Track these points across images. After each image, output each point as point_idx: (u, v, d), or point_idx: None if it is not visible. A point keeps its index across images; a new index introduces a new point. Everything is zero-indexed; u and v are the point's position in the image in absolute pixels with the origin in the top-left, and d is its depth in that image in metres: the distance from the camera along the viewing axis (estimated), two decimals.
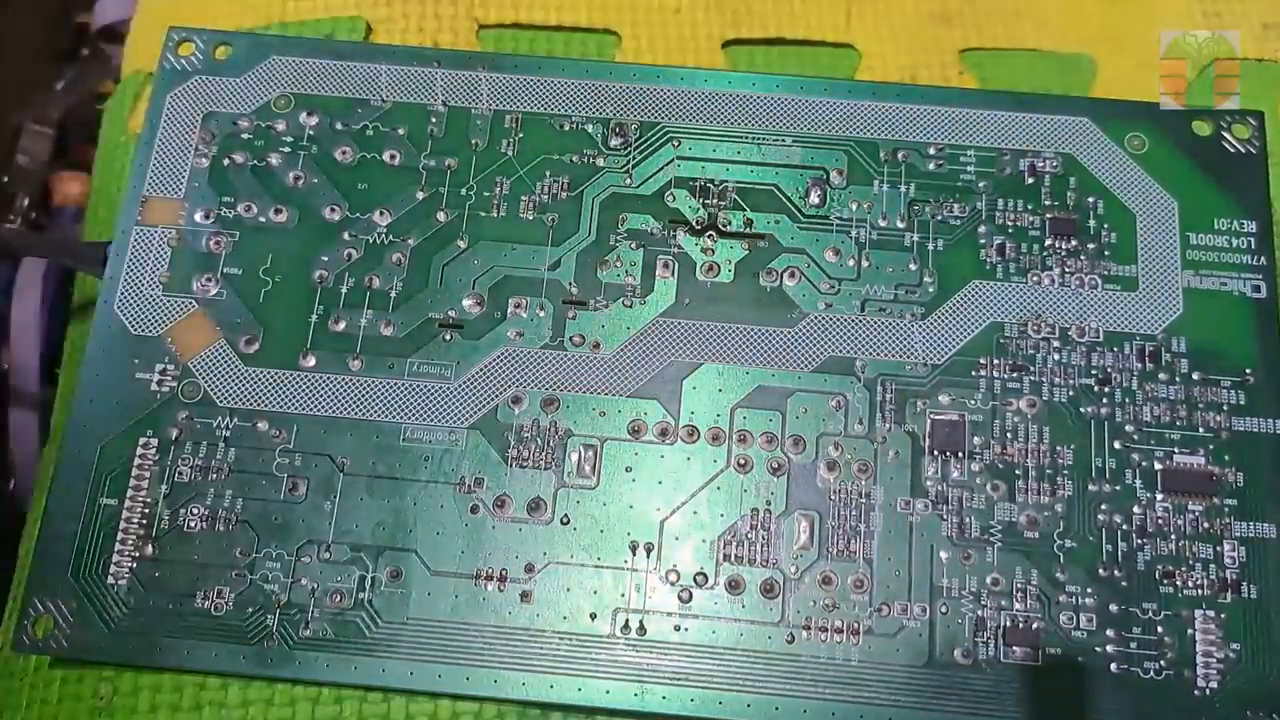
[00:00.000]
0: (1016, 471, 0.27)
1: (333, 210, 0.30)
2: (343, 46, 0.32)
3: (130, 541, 0.27)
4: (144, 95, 0.35)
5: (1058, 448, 0.27)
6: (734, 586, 0.27)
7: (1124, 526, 0.27)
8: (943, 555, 0.27)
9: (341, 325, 0.29)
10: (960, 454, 0.27)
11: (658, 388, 0.28)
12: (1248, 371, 0.28)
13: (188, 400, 0.28)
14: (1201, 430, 0.27)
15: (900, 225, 0.29)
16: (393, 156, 0.30)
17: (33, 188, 0.44)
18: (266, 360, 0.28)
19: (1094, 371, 0.28)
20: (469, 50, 0.34)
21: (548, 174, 0.30)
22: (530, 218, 0.30)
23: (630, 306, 0.29)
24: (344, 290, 0.29)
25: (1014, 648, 0.26)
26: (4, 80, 0.43)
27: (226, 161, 0.30)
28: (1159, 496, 0.27)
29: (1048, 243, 0.29)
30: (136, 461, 0.27)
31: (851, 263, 0.29)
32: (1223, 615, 0.26)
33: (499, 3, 0.35)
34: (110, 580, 0.27)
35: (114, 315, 0.29)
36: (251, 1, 0.35)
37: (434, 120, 0.30)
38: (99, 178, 0.36)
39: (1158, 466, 0.27)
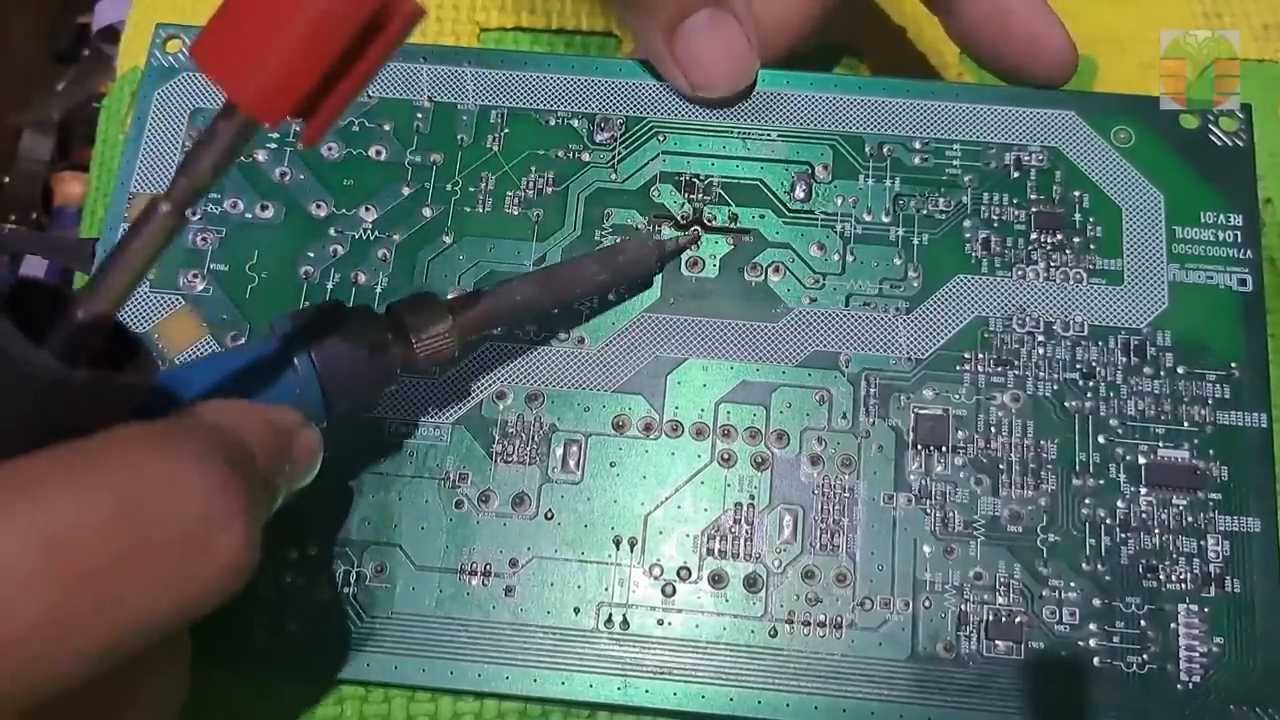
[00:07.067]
0: (1000, 466, 0.27)
1: (319, 206, 0.30)
2: None
3: None
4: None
5: (1041, 442, 0.27)
6: (717, 581, 0.27)
7: (1107, 521, 0.27)
8: (926, 549, 0.27)
9: None
10: (944, 448, 0.27)
11: (642, 383, 0.28)
12: (1233, 365, 0.28)
13: None
14: (1186, 424, 0.27)
15: (885, 220, 0.29)
16: (378, 152, 0.30)
17: (33, 188, 0.44)
18: None
19: (1078, 366, 0.28)
20: (455, 45, 0.34)
21: (533, 169, 0.30)
22: (515, 213, 0.30)
23: (615, 302, 0.29)
24: (330, 286, 0.29)
25: (997, 642, 0.26)
26: (4, 80, 0.43)
27: None
28: (1143, 491, 0.27)
29: (1033, 236, 0.29)
30: None
31: (836, 257, 0.29)
32: (1206, 609, 0.26)
33: (500, 6, 0.35)
34: None
35: None
36: None
37: (420, 116, 0.30)
38: (96, 176, 0.36)
39: (1142, 461, 0.27)
